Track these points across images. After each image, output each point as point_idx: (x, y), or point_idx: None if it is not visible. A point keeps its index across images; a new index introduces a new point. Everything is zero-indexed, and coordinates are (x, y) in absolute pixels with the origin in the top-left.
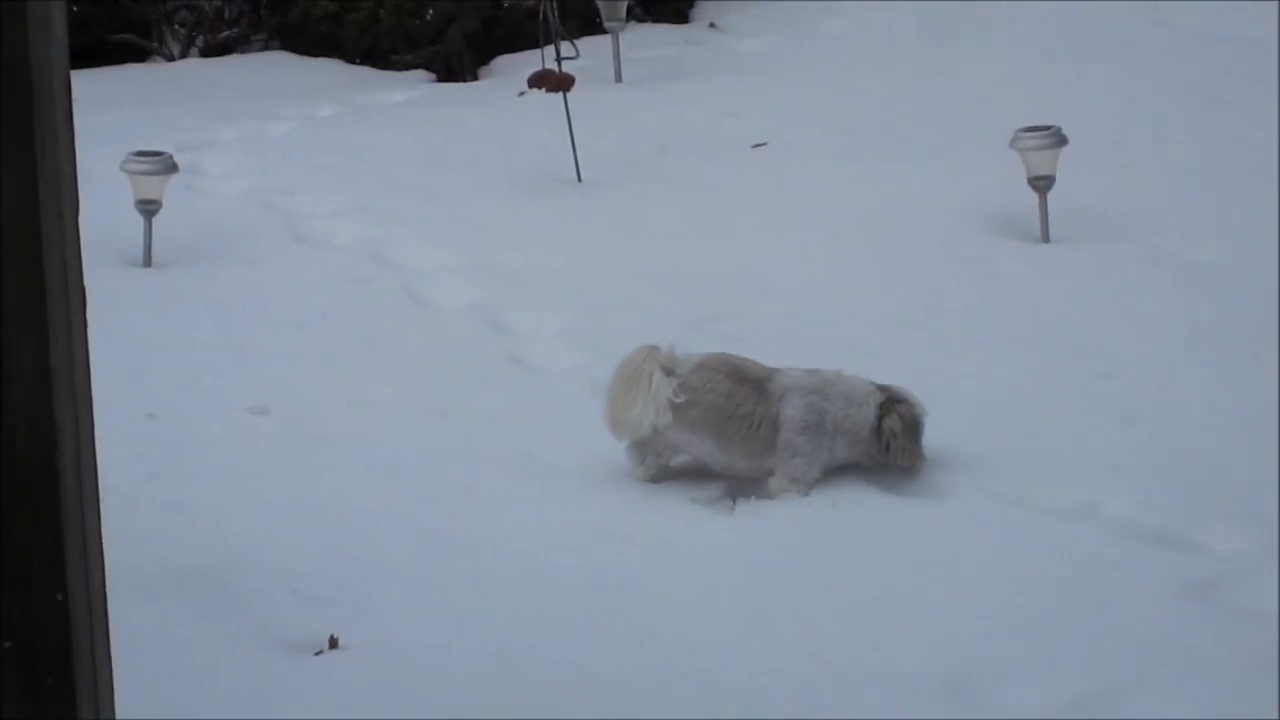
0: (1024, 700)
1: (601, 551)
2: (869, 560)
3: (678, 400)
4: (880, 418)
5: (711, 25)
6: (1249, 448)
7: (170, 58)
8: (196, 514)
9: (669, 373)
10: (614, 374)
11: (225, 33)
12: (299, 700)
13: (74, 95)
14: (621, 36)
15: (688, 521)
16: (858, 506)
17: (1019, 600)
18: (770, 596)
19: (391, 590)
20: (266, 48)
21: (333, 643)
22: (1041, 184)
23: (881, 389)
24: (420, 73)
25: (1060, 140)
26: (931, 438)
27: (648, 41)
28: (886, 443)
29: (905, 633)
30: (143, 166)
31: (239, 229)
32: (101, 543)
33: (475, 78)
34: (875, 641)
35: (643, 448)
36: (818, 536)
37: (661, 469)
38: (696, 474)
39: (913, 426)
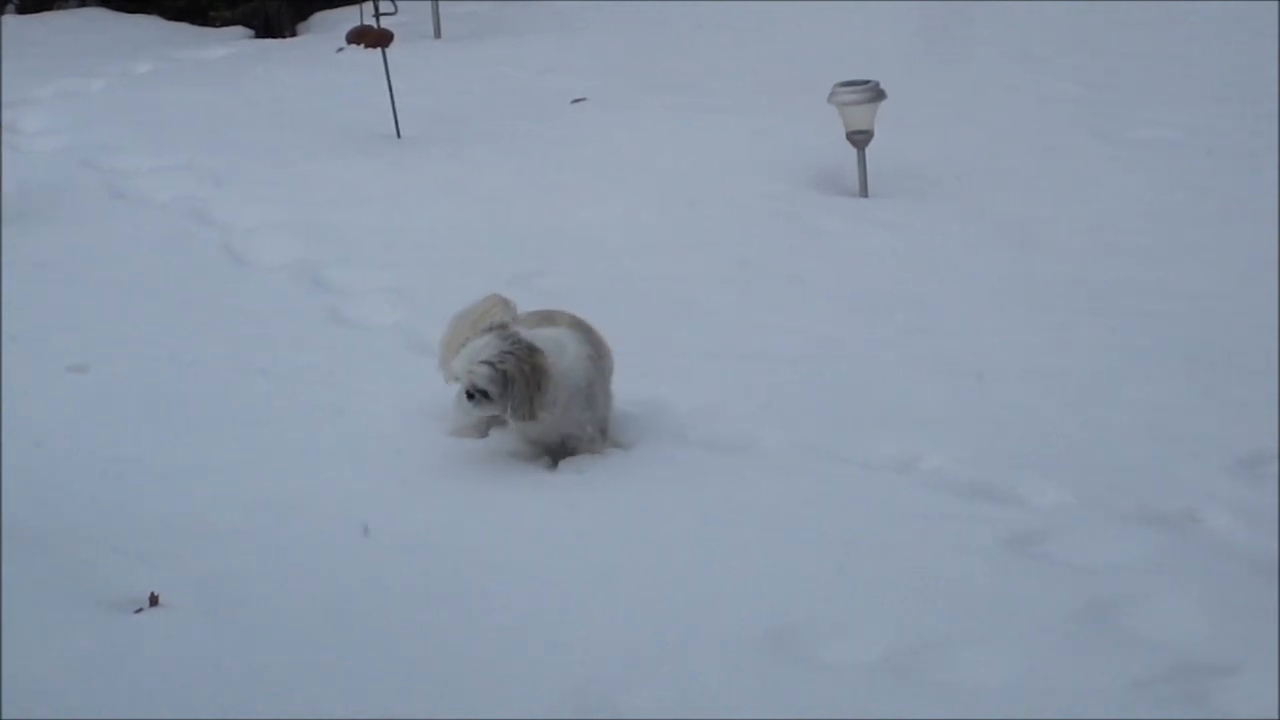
0: (844, 653)
1: (424, 509)
2: (689, 516)
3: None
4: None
5: None
6: (1064, 401)
7: None
8: (15, 474)
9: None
10: (455, 318)
11: None
12: (119, 658)
13: None
14: None
15: (509, 479)
16: (678, 462)
17: (838, 554)
18: (591, 553)
19: (213, 548)
20: (83, 4)
21: (153, 600)
22: (860, 139)
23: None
24: (238, 29)
25: (878, 95)
26: (751, 392)
27: None
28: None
29: (725, 587)
30: None
31: (57, 187)
32: None
33: (294, 34)
34: (696, 596)
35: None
36: (637, 492)
37: (487, 420)
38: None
39: (533, 376)
